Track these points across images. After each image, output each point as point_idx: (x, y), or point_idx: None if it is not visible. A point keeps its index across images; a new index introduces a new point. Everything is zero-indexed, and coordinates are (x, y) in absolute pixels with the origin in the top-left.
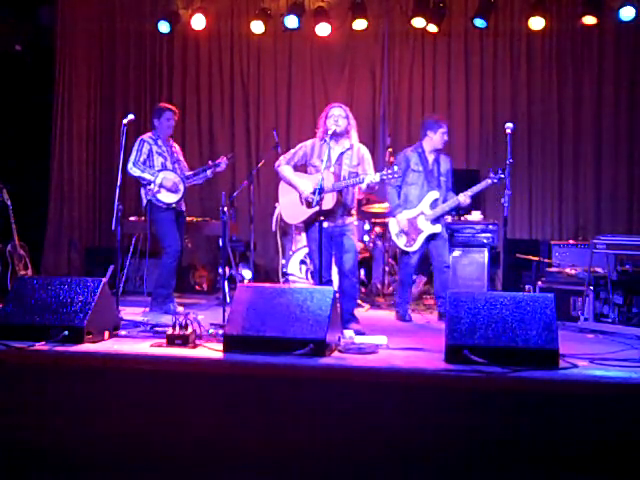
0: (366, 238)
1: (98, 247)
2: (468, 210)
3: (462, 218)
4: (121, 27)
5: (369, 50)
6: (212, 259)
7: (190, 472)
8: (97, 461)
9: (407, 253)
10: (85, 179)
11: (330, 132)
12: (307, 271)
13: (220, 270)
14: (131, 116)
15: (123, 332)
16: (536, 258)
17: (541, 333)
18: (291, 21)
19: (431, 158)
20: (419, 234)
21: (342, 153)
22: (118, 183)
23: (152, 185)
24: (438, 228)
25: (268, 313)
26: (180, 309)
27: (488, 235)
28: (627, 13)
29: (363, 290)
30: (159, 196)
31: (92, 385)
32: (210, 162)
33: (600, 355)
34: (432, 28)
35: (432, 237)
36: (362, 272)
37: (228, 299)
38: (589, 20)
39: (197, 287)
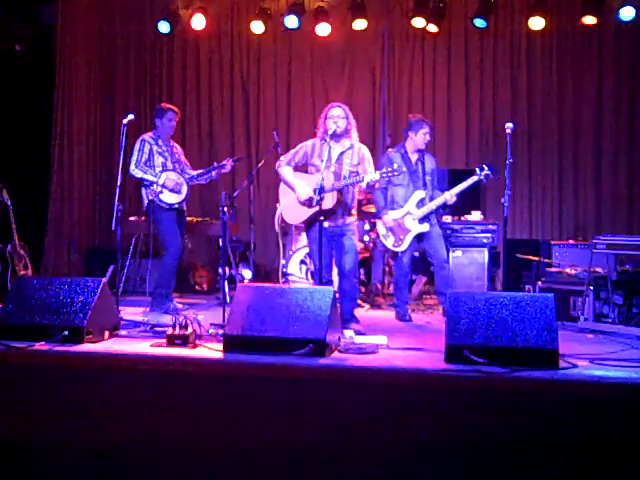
0: (366, 238)
1: (98, 247)
2: (464, 210)
3: (462, 218)
4: (121, 27)
5: (369, 50)
6: (212, 259)
7: (190, 472)
8: (97, 461)
9: (397, 254)
10: (85, 179)
11: (330, 132)
12: (307, 271)
13: (220, 270)
14: (131, 116)
15: (123, 332)
16: (536, 258)
17: (541, 333)
18: (291, 21)
19: (414, 158)
20: (407, 234)
21: (342, 153)
22: (118, 183)
23: (155, 186)
24: (426, 227)
25: (268, 313)
26: (180, 305)
27: (488, 235)
28: (627, 13)
29: (363, 290)
30: (161, 196)
31: (92, 385)
32: (215, 163)
33: (600, 355)
34: (432, 28)
35: (424, 236)
36: (362, 272)
37: (228, 299)
38: (589, 20)
39: (197, 287)
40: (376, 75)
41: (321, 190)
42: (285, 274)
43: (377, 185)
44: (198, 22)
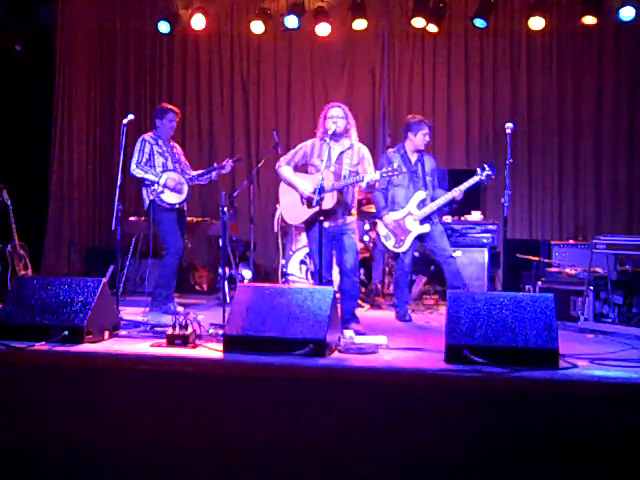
0: (366, 238)
1: (98, 247)
2: (464, 210)
3: (462, 218)
4: (121, 27)
5: (369, 50)
6: (212, 259)
7: (190, 471)
8: (97, 461)
9: (398, 254)
10: (85, 179)
11: (330, 132)
12: (307, 271)
13: (220, 270)
14: (131, 116)
15: (123, 332)
16: (536, 258)
17: (541, 333)
18: (291, 21)
19: (414, 159)
20: (407, 235)
21: (342, 152)
22: (118, 183)
23: (156, 185)
24: (427, 228)
25: (268, 313)
26: (180, 309)
27: (488, 235)
28: (627, 13)
29: (363, 290)
30: (163, 196)
31: (92, 385)
32: (215, 164)
33: (600, 355)
34: (432, 28)
35: (427, 236)
36: (362, 272)
37: (228, 299)
38: (589, 20)
39: (197, 287)
40: (376, 75)
41: (321, 190)
42: (285, 274)
43: (377, 185)
44: (198, 22)
